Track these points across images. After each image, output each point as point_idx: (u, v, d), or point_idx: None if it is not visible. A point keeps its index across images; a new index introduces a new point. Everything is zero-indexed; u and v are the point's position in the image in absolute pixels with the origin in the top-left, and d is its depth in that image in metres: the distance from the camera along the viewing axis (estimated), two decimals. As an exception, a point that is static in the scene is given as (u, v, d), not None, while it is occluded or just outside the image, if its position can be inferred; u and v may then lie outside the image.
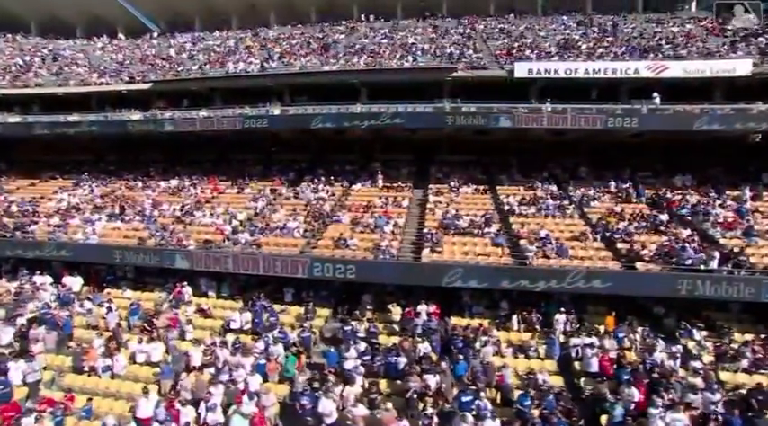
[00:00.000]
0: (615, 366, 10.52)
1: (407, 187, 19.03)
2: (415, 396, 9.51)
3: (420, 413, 9.14)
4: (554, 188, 18.27)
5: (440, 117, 17.29)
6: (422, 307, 12.91)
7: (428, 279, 12.72)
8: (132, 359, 11.51)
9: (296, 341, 11.59)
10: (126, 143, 23.44)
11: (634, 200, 16.84)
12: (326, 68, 19.78)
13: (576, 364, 11.15)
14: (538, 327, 12.57)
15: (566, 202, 16.83)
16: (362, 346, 11.24)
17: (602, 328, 12.23)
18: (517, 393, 9.58)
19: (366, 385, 10.10)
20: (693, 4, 28.18)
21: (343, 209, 17.01)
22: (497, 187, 18.93)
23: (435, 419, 8.73)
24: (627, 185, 17.25)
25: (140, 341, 11.56)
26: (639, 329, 12.08)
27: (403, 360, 10.76)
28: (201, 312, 13.81)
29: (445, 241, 14.38)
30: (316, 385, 9.61)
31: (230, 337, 12.29)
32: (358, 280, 13.00)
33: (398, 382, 10.45)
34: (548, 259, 13.15)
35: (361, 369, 10.34)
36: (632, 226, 14.72)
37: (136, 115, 20.59)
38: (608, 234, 14.26)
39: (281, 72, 20.56)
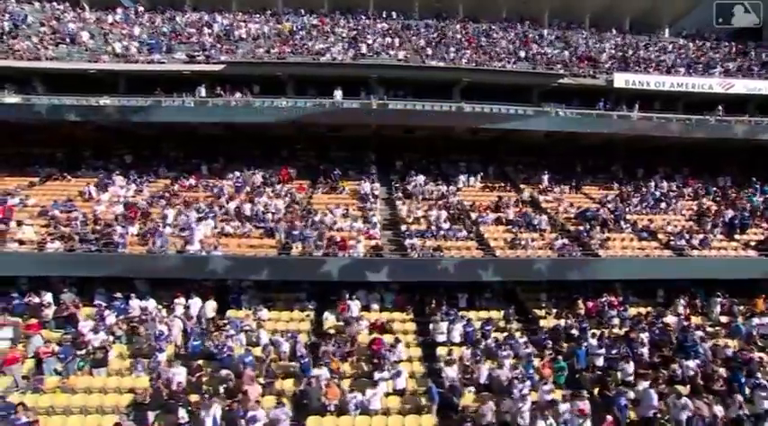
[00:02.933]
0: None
1: (507, 186, 19.26)
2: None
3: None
4: (629, 188, 20.15)
5: (556, 120, 17.92)
6: (603, 299, 13.49)
7: (636, 273, 13.39)
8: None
9: (546, 345, 11.15)
10: (133, 135, 19.46)
11: (702, 198, 19.43)
12: (434, 63, 18.98)
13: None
14: (700, 311, 14.01)
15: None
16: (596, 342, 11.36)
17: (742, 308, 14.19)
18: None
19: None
20: (667, 31, 33.10)
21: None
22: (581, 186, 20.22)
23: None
24: (697, 184, 19.79)
25: (382, 370, 10.00)
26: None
27: (645, 350, 11.19)
28: (379, 328, 12.36)
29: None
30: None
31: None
32: (579, 278, 13.11)
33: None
34: (699, 250, 14.64)
35: (631, 364, 10.45)
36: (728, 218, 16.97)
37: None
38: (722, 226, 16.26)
39: (380, 63, 19.11)
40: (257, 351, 10.72)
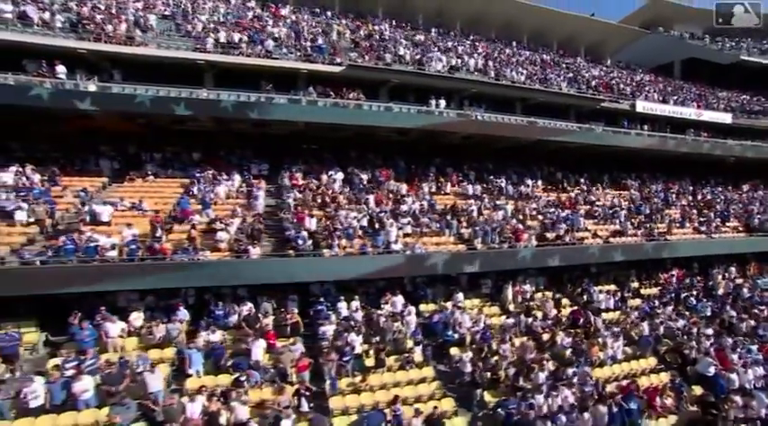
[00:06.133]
0: None
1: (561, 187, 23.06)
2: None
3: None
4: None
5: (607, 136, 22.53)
6: (672, 273, 18.11)
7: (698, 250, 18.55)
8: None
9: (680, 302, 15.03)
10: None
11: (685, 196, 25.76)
12: (526, 85, 21.88)
13: None
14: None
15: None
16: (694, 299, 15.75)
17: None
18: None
19: None
20: (609, 61, 41.23)
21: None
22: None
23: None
24: (675, 186, 26.23)
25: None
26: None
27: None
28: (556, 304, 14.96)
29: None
30: None
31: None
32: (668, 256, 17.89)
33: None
34: (720, 233, 20.29)
35: (734, 312, 14.88)
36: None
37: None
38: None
39: (478, 79, 21.23)
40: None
